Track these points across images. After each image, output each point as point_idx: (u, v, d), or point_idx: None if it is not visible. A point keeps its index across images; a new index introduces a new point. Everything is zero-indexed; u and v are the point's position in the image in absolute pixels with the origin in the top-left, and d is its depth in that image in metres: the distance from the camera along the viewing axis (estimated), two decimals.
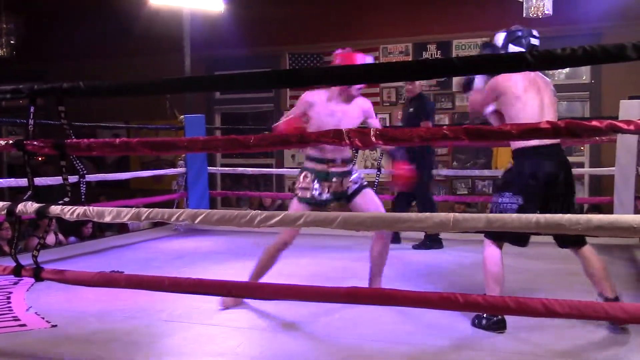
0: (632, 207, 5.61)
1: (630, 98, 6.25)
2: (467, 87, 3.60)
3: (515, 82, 3.25)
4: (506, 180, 3.32)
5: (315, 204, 3.72)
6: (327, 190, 3.72)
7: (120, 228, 8.11)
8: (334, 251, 5.57)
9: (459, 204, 8.55)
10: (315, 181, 3.69)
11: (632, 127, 2.20)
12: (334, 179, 3.72)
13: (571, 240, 3.22)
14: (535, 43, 3.35)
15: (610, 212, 5.96)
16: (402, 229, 2.75)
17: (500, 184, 3.38)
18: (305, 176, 3.72)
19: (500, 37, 3.48)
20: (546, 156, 3.19)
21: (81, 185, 5.25)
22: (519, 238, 3.25)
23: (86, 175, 5.29)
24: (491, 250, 3.27)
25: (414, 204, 6.01)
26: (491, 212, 3.30)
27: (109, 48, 10.20)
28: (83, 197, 5.27)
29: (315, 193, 3.69)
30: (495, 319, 3.13)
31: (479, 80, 3.51)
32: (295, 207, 3.69)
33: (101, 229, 8.23)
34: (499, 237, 3.23)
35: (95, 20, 9.75)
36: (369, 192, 3.81)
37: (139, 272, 3.25)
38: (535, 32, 3.42)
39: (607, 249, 5.25)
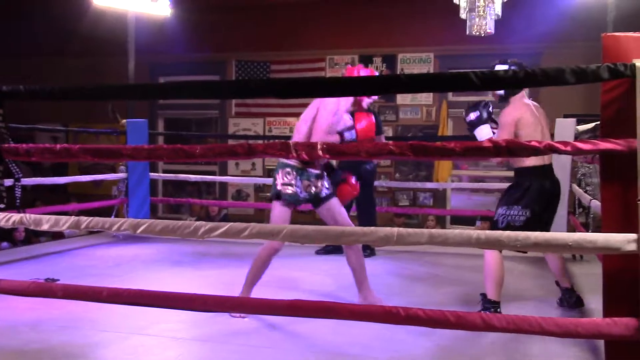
0: (565, 223, 5.80)
1: (565, 116, 6.49)
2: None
3: (526, 112, 3.65)
4: (513, 195, 3.66)
5: (296, 201, 3.79)
6: (305, 189, 3.78)
7: (55, 233, 7.86)
8: (278, 261, 5.53)
9: (398, 216, 8.69)
10: (297, 178, 3.74)
11: (569, 149, 2.29)
12: (312, 179, 3.78)
13: None
14: None
15: None
16: (347, 243, 2.78)
17: (507, 198, 3.68)
18: (288, 173, 3.74)
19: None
20: (547, 175, 3.70)
21: (16, 189, 5.06)
22: None
23: (22, 180, 5.10)
24: (493, 255, 3.59)
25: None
26: (499, 223, 3.62)
27: (52, 48, 9.95)
28: (18, 201, 5.08)
29: (297, 190, 3.74)
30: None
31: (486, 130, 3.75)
32: (278, 209, 3.76)
33: (36, 234, 7.96)
34: None
35: (37, 19, 9.48)
36: (336, 202, 3.91)
37: (76, 281, 3.17)
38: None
39: (540, 262, 5.42)
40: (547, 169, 3.70)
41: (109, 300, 2.68)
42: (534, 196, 3.57)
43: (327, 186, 3.87)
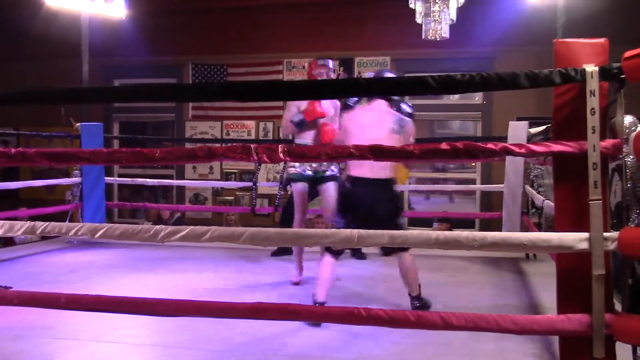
0: (519, 222, 5.95)
1: (518, 119, 6.66)
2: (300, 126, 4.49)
3: (351, 120, 4.00)
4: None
5: (302, 179, 4.57)
6: (308, 168, 4.55)
7: (6, 240, 7.64)
8: (237, 264, 5.53)
9: None
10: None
11: (523, 151, 2.35)
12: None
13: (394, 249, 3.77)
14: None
15: (499, 226, 6.30)
16: (307, 244, 2.79)
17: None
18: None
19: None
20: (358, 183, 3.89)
21: None
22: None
23: None
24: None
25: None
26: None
27: (2, 50, 9.67)
28: None
29: (300, 169, 4.54)
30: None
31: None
32: (294, 186, 4.64)
33: None
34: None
35: None
36: (333, 185, 4.56)
37: (29, 288, 3.10)
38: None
39: (495, 262, 5.55)
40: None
41: (67, 307, 2.63)
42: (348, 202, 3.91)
43: (331, 168, 4.62)
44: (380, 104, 3.92)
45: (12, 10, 8.78)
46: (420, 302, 3.85)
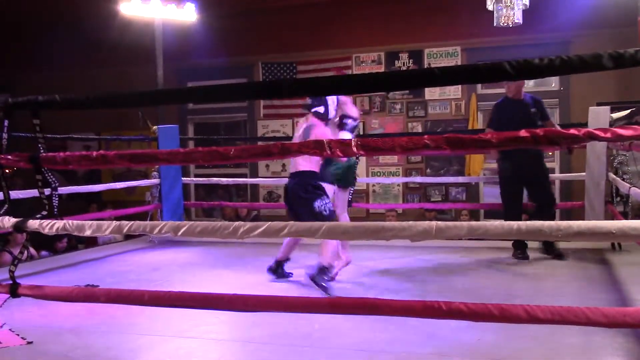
0: (602, 212, 5.71)
1: (598, 105, 6.38)
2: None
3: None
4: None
5: None
6: None
7: (88, 241, 7.96)
8: (313, 259, 5.54)
9: (429, 211, 8.61)
10: None
11: (609, 135, 2.24)
12: None
13: None
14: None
15: (580, 216, 6.06)
16: (385, 238, 2.74)
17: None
18: None
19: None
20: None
21: (53, 198, 5.14)
22: None
23: (58, 188, 5.19)
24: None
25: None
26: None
27: (78, 59, 10.09)
28: (56, 210, 5.16)
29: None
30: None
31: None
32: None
33: (79, 241, 8.08)
34: None
35: (63, 31, 9.62)
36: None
37: (115, 286, 3.21)
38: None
39: (578, 252, 5.35)
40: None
41: (151, 303, 2.71)
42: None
43: None
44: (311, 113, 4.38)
45: (89, 19, 9.13)
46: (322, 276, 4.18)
